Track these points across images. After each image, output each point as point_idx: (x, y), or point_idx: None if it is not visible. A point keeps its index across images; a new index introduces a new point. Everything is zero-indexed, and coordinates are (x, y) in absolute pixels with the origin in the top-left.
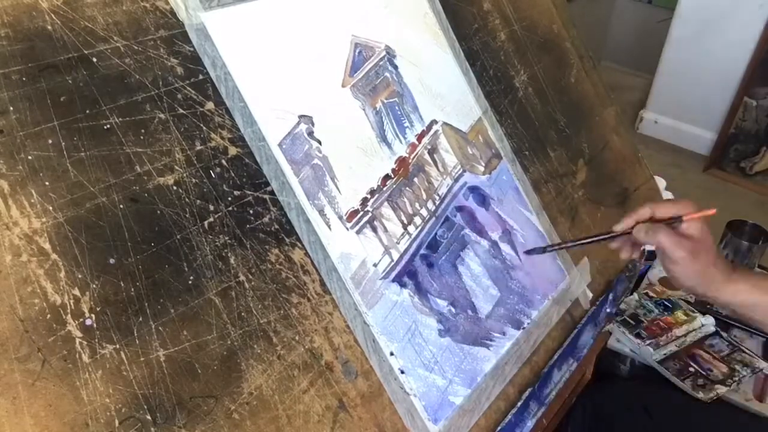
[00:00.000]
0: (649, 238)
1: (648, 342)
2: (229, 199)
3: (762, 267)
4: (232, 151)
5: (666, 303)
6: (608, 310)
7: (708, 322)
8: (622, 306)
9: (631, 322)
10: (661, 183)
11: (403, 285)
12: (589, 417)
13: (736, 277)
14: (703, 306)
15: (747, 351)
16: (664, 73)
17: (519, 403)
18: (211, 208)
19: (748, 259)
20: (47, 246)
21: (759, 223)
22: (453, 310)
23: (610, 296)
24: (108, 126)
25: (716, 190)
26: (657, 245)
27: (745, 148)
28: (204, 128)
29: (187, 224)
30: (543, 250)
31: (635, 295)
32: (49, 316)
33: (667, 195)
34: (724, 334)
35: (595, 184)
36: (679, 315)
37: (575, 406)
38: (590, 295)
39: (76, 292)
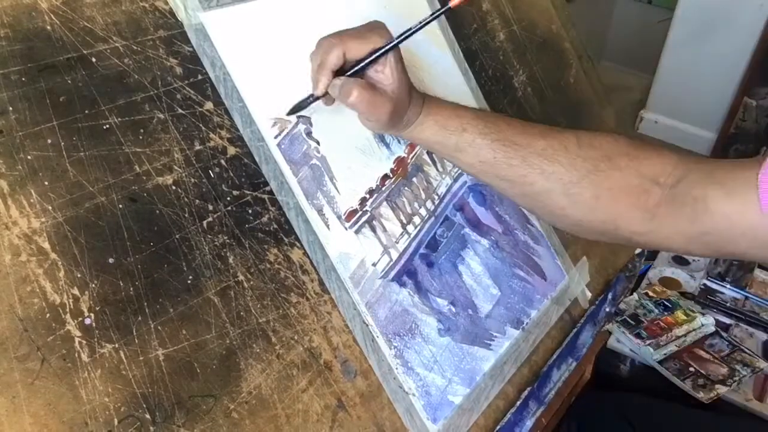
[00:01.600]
0: (343, 98)
1: (648, 342)
2: (228, 198)
3: (762, 268)
4: (231, 151)
5: (666, 303)
6: (607, 310)
7: (708, 322)
8: (622, 306)
9: (631, 322)
10: None
11: (402, 284)
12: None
13: (424, 115)
14: (704, 304)
15: (747, 351)
16: (664, 73)
17: (518, 403)
18: (210, 207)
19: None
20: (46, 245)
21: None
22: (453, 309)
23: (609, 296)
24: (107, 126)
25: None
26: (351, 107)
27: (745, 148)
28: (203, 128)
29: (186, 224)
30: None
31: (635, 295)
32: (48, 315)
33: None
34: (724, 334)
35: None
36: (679, 315)
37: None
38: (589, 294)
39: (76, 291)
